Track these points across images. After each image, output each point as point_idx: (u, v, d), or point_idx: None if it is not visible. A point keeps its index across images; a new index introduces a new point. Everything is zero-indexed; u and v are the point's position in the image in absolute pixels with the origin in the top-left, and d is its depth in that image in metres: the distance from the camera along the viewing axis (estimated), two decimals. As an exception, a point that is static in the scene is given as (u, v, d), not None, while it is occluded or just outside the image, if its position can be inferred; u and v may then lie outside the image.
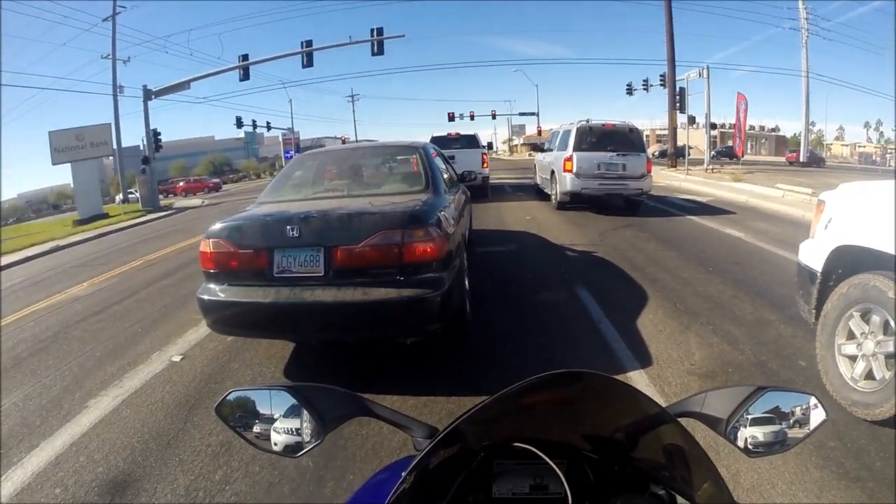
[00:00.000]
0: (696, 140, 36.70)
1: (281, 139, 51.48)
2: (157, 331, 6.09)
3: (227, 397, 1.21)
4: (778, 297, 5.60)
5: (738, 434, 1.06)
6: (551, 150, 14.67)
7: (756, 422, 1.06)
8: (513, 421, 1.03)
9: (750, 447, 1.06)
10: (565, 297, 5.98)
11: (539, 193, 16.14)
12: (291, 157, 37.05)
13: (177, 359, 5.13)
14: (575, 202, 12.62)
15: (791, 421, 1.07)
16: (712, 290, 5.99)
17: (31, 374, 5.16)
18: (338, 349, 4.86)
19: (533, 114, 63.42)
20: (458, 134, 18.23)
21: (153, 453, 3.54)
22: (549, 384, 0.93)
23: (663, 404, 1.02)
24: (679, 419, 0.98)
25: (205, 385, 4.47)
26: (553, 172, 13.56)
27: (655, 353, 4.43)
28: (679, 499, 0.99)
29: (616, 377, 0.98)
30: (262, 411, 1.20)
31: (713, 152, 31.77)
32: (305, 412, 1.16)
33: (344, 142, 38.78)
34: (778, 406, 1.07)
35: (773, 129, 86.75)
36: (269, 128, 49.36)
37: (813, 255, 3.88)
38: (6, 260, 14.96)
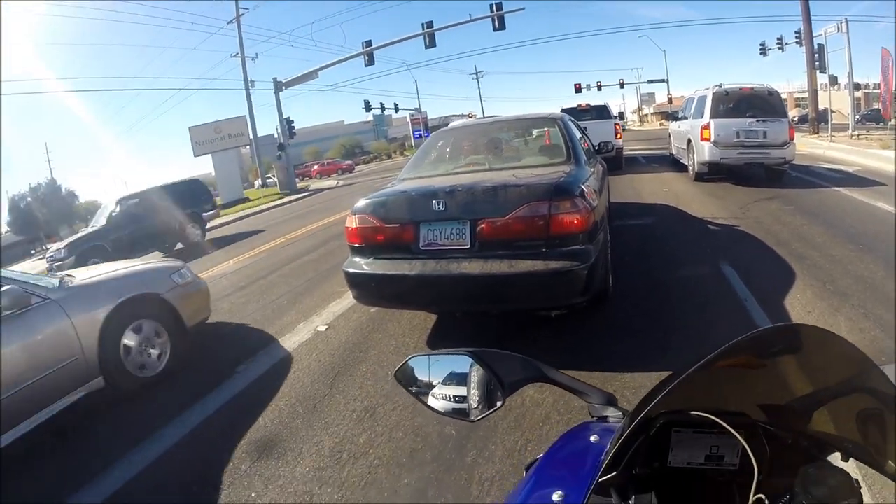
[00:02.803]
0: (838, 103, 33.49)
1: (409, 119, 52.55)
2: (302, 303, 6.40)
3: (407, 363, 1.24)
4: (937, 282, 5.02)
5: None
6: (685, 118, 13.92)
7: None
8: (693, 388, 0.96)
9: None
10: (708, 272, 5.70)
11: (675, 164, 15.40)
12: (420, 136, 37.77)
13: (322, 329, 5.37)
14: (713, 173, 11.92)
15: None
16: (863, 269, 5.46)
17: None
18: (480, 320, 4.91)
19: (662, 81, 60.60)
20: (588, 105, 17.67)
21: (299, 416, 3.74)
22: (750, 345, 0.87)
23: None
24: None
25: (349, 353, 4.65)
26: (689, 142, 12.86)
27: (805, 337, 4.10)
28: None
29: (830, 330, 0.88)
30: (440, 376, 1.22)
31: (857, 116, 28.55)
32: (484, 377, 1.16)
33: (471, 118, 38.99)
34: None
35: (924, 88, 77.67)
36: (396, 109, 50.37)
37: None
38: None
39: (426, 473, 2.92)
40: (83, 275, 4.97)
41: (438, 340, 4.67)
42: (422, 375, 1.25)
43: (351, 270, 4.41)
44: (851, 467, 0.94)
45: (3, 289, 3.82)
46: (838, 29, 24.20)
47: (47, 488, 3.39)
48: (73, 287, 4.50)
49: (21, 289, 3.96)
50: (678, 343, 4.01)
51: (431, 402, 1.23)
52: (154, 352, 4.80)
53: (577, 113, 16.15)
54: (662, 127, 37.17)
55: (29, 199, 42.75)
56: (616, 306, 4.82)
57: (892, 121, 22.28)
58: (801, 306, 4.62)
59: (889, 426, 0.86)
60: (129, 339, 4.61)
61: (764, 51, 34.39)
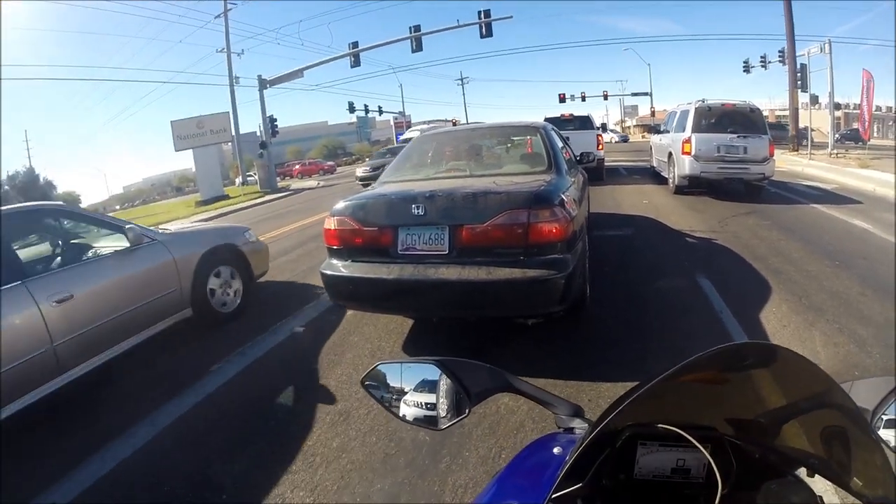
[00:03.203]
0: (818, 122, 33.81)
1: (392, 122, 52.45)
2: (280, 304, 6.33)
3: (374, 369, 1.24)
4: (909, 299, 5.12)
5: (886, 428, 0.99)
6: (667, 131, 14.09)
7: None
8: (662, 401, 0.97)
9: None
10: (685, 285, 5.75)
11: (655, 177, 15.57)
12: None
13: (299, 330, 5.34)
14: (693, 186, 12.05)
15: None
16: (838, 285, 5.55)
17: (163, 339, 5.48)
18: (456, 326, 4.90)
19: (646, 94, 61.20)
20: (571, 115, 17.75)
21: (273, 418, 3.73)
22: (711, 361, 0.87)
23: None
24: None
25: (325, 356, 4.62)
26: (670, 155, 13.02)
27: (779, 350, 4.13)
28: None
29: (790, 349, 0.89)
30: (408, 384, 1.22)
31: (837, 135, 28.79)
32: (452, 386, 1.17)
33: (455, 124, 39.01)
34: None
35: (903, 111, 78.56)
36: (380, 112, 50.43)
37: None
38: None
39: (399, 479, 2.91)
40: (176, 227, 6.58)
41: (414, 345, 4.66)
42: (389, 382, 1.25)
43: (328, 272, 4.40)
44: (817, 483, 0.96)
45: (127, 226, 4.98)
46: (821, 50, 24.48)
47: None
48: (174, 233, 5.72)
49: (139, 228, 5.13)
50: (654, 354, 4.04)
51: (402, 409, 1.23)
52: (231, 293, 5.96)
53: (561, 122, 16.23)
54: (644, 139, 37.36)
55: (6, 187, 42.02)
56: (593, 316, 4.84)
57: None
58: (777, 320, 4.68)
59: (853, 444, 0.87)
60: (214, 280, 5.74)
61: (747, 68, 34.76)
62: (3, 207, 4.40)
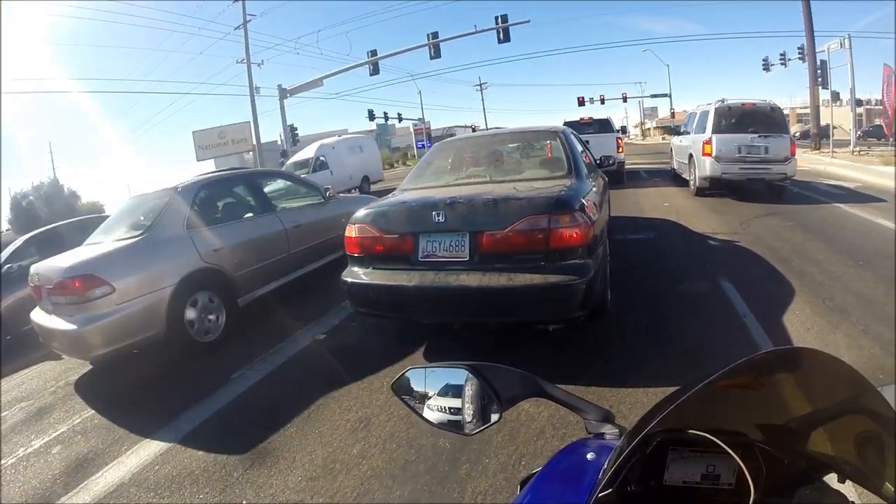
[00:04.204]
0: (840, 119, 33.26)
1: (412, 129, 52.36)
2: (301, 312, 6.33)
3: (404, 375, 1.24)
4: (936, 300, 4.98)
5: None
6: (688, 132, 13.94)
7: None
8: (691, 407, 0.95)
9: None
10: (707, 288, 5.67)
11: (675, 179, 15.39)
12: (423, 146, 37.76)
13: (320, 337, 5.36)
14: (714, 188, 11.91)
15: None
16: (863, 286, 5.43)
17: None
18: (478, 333, 4.87)
19: (665, 95, 60.83)
20: (590, 118, 17.65)
21: (293, 424, 3.74)
22: (750, 367, 0.86)
23: None
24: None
25: (346, 363, 4.62)
26: (691, 156, 12.88)
27: (803, 353, 4.04)
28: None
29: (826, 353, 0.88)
30: (437, 389, 1.22)
31: (859, 132, 28.15)
32: (479, 391, 1.16)
33: (474, 130, 38.90)
34: None
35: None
36: (400, 119, 50.36)
37: None
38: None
39: (419, 486, 2.90)
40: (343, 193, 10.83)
41: (436, 352, 4.64)
42: (418, 387, 1.24)
43: (349, 280, 4.42)
44: (848, 489, 0.93)
45: (324, 188, 8.03)
46: (841, 45, 23.95)
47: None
48: (345, 197, 9.11)
49: (331, 189, 8.11)
50: (676, 359, 3.98)
51: (427, 414, 1.22)
52: None
53: (580, 126, 16.07)
54: (664, 141, 37.04)
55: (31, 197, 42.39)
56: (614, 321, 4.79)
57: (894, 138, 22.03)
58: (801, 323, 4.60)
59: (887, 449, 0.85)
60: None
61: (767, 66, 34.47)
62: (252, 169, 8.79)
